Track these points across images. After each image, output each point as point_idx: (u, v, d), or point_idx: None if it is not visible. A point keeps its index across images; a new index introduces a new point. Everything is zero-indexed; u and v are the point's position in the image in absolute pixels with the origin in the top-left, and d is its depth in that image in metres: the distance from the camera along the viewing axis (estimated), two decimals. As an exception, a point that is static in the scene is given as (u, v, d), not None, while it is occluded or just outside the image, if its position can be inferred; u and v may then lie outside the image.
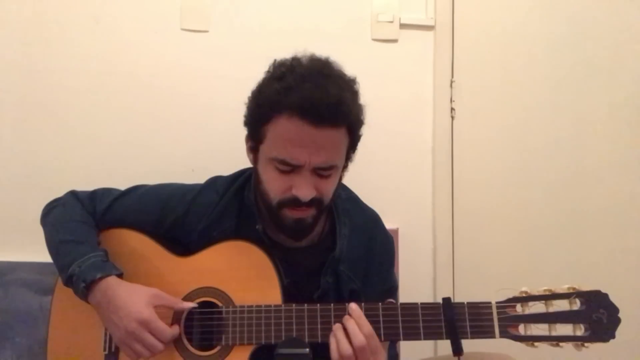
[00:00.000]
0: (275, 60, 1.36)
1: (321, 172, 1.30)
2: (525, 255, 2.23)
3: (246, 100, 1.39)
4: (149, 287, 1.36)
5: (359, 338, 1.25)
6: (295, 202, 1.31)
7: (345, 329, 1.29)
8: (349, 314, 1.30)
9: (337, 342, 1.27)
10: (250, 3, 2.14)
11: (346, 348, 1.25)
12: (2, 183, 2.02)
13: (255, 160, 1.39)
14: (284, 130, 1.25)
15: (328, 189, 1.36)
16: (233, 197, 1.51)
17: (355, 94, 1.34)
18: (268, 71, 1.36)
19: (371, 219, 1.61)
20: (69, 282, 1.37)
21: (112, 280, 1.35)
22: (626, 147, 2.24)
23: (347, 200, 1.56)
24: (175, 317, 1.39)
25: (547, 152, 2.25)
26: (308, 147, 1.25)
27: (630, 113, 2.25)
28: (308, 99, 1.22)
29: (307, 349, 1.16)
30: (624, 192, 2.23)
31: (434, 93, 2.23)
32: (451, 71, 2.23)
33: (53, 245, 1.47)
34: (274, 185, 1.32)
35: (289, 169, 1.28)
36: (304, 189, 1.28)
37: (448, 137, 2.23)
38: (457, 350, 1.26)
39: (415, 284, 2.15)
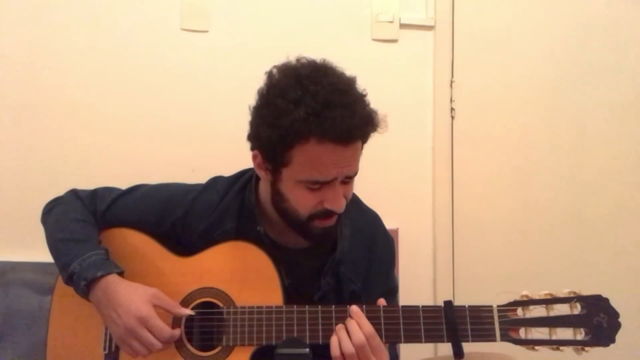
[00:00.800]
0: (272, 72, 1.33)
1: (348, 179, 1.32)
2: (524, 255, 2.24)
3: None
4: (149, 287, 1.36)
5: (359, 336, 1.26)
6: (326, 214, 1.32)
7: (346, 329, 1.29)
8: (350, 316, 1.30)
9: (339, 340, 1.27)
10: (250, 3, 2.14)
11: (348, 347, 1.25)
12: (2, 183, 2.03)
13: (274, 180, 1.36)
14: (315, 155, 1.25)
15: (350, 192, 1.37)
16: (234, 198, 1.51)
17: (368, 102, 1.33)
18: (275, 89, 1.29)
19: (372, 220, 1.61)
20: (69, 280, 1.36)
21: (113, 278, 1.34)
22: (626, 147, 2.25)
23: (348, 201, 1.56)
24: (176, 319, 1.39)
25: (547, 152, 2.26)
26: (340, 165, 1.27)
27: (630, 113, 2.26)
28: (339, 124, 1.21)
29: (307, 349, 1.17)
30: (624, 192, 2.24)
31: (434, 93, 2.24)
32: (451, 71, 2.24)
33: (54, 244, 1.46)
34: (305, 202, 1.32)
35: (320, 186, 1.29)
36: (339, 202, 1.30)
37: (448, 137, 2.23)
38: (458, 353, 1.26)
39: (415, 284, 2.16)
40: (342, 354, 1.25)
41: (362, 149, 1.36)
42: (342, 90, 1.27)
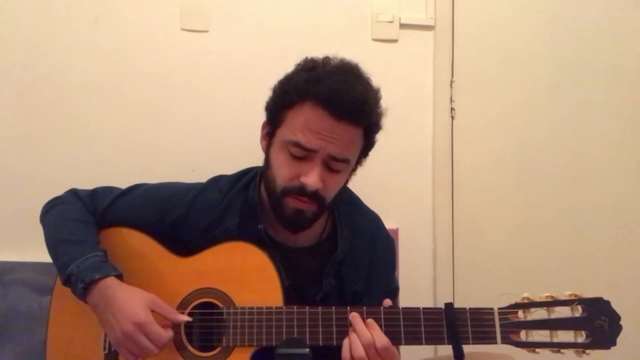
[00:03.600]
0: (306, 57, 1.40)
1: (332, 163, 1.33)
2: (524, 254, 2.23)
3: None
4: (147, 292, 1.35)
5: (367, 337, 1.27)
6: (300, 191, 1.32)
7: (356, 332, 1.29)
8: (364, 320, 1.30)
9: (351, 344, 1.27)
10: (250, 3, 2.14)
11: (359, 350, 1.25)
12: (2, 183, 2.02)
13: (268, 145, 1.41)
14: (306, 117, 1.29)
15: (333, 186, 1.37)
16: (237, 195, 1.51)
17: (378, 99, 1.37)
18: (299, 64, 1.40)
19: (373, 221, 1.61)
20: (67, 282, 1.36)
21: (111, 281, 1.34)
22: (626, 147, 2.25)
23: (349, 202, 1.57)
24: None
25: (547, 152, 2.26)
26: (325, 137, 1.29)
27: (630, 113, 2.26)
28: (335, 90, 1.26)
29: (307, 349, 1.17)
30: (624, 192, 2.24)
31: (434, 93, 2.23)
32: (451, 71, 2.23)
33: (52, 244, 1.46)
34: (283, 170, 1.34)
35: (302, 154, 1.31)
36: (313, 177, 1.30)
37: (448, 137, 2.23)
38: (459, 355, 1.26)
39: (415, 284, 2.16)
40: (352, 357, 1.25)
41: (360, 146, 1.38)
42: (353, 73, 1.34)
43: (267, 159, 1.42)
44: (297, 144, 1.29)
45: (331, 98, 1.26)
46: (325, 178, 1.32)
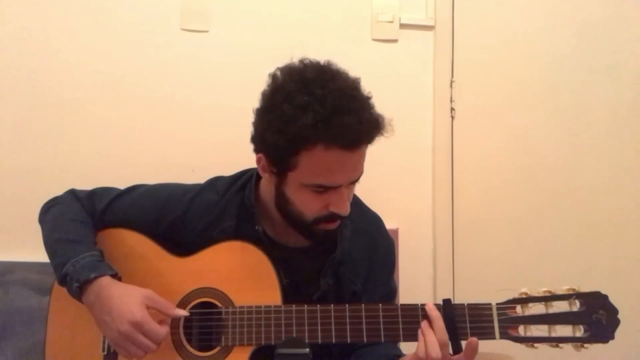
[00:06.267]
0: (277, 75, 1.31)
1: (353, 183, 1.34)
2: (525, 255, 2.23)
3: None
4: (142, 288, 1.34)
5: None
6: (331, 217, 1.33)
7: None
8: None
9: (427, 344, 1.25)
10: (250, 3, 2.14)
11: (436, 351, 1.24)
12: (2, 183, 2.03)
13: (279, 183, 1.35)
14: (323, 160, 1.24)
15: (352, 193, 1.38)
16: (233, 197, 1.51)
17: (373, 105, 1.32)
18: (280, 93, 1.28)
19: (373, 222, 1.61)
20: (63, 281, 1.35)
21: (106, 280, 1.33)
22: (626, 147, 2.24)
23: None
24: (173, 319, 1.39)
25: (547, 152, 2.25)
26: (347, 170, 1.28)
27: (630, 113, 2.25)
28: (347, 131, 1.21)
29: (307, 349, 1.16)
30: (624, 192, 2.23)
31: (434, 93, 2.24)
32: (451, 71, 2.24)
33: (49, 244, 1.45)
34: (310, 206, 1.32)
35: (325, 189, 1.29)
36: (345, 206, 1.31)
37: (448, 137, 2.23)
38: (458, 351, 1.26)
39: (415, 284, 2.16)
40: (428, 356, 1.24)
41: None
42: (350, 96, 1.26)
43: (282, 195, 1.36)
44: (321, 186, 1.28)
45: (345, 138, 1.22)
46: (347, 194, 1.33)
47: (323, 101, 1.22)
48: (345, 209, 1.31)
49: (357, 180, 1.33)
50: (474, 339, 1.24)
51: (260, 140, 1.32)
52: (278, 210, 1.41)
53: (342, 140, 1.22)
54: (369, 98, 1.31)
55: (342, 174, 1.27)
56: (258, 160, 1.37)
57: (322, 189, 1.28)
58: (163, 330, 1.30)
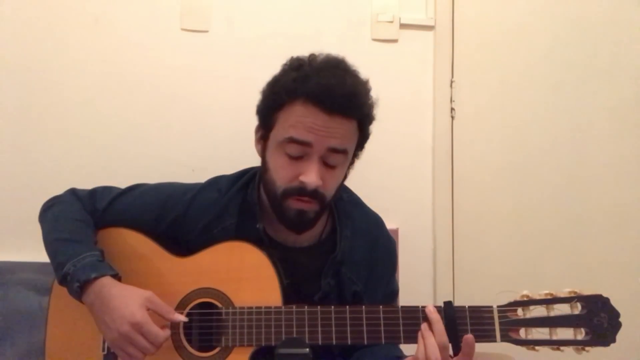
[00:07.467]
0: (292, 56, 1.40)
1: (331, 158, 1.33)
2: (525, 254, 2.24)
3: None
4: (143, 290, 1.34)
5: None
6: (300, 192, 1.32)
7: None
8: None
9: (426, 346, 1.25)
10: (250, 3, 2.14)
11: (435, 353, 1.24)
12: (2, 183, 2.02)
13: (263, 149, 1.40)
14: (298, 115, 1.29)
15: (333, 182, 1.37)
16: (235, 194, 1.51)
17: (368, 90, 1.37)
18: (285, 64, 1.39)
19: (374, 223, 1.60)
20: (63, 281, 1.35)
21: (107, 280, 1.33)
22: (626, 147, 2.24)
23: (349, 202, 1.56)
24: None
25: (547, 152, 2.25)
26: (320, 132, 1.29)
27: (630, 113, 2.25)
28: (324, 86, 1.26)
29: (307, 349, 1.16)
30: (624, 192, 2.23)
31: (434, 93, 2.24)
32: (451, 71, 2.24)
33: (49, 243, 1.45)
34: (281, 172, 1.33)
35: (298, 152, 1.30)
36: (312, 175, 1.30)
37: (448, 137, 2.23)
38: (459, 353, 1.26)
39: (415, 284, 2.16)
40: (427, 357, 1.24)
41: (356, 138, 1.38)
42: (340, 67, 1.34)
43: (264, 163, 1.41)
44: (291, 139, 1.29)
45: (321, 93, 1.26)
46: (324, 175, 1.32)
47: (311, 63, 1.33)
48: (312, 179, 1.30)
49: (336, 150, 1.32)
50: (470, 335, 1.25)
51: (257, 109, 1.41)
52: (263, 187, 1.45)
53: (317, 96, 1.26)
54: (364, 80, 1.38)
55: (314, 133, 1.28)
56: (256, 132, 1.44)
57: (295, 150, 1.30)
58: (163, 333, 1.29)
